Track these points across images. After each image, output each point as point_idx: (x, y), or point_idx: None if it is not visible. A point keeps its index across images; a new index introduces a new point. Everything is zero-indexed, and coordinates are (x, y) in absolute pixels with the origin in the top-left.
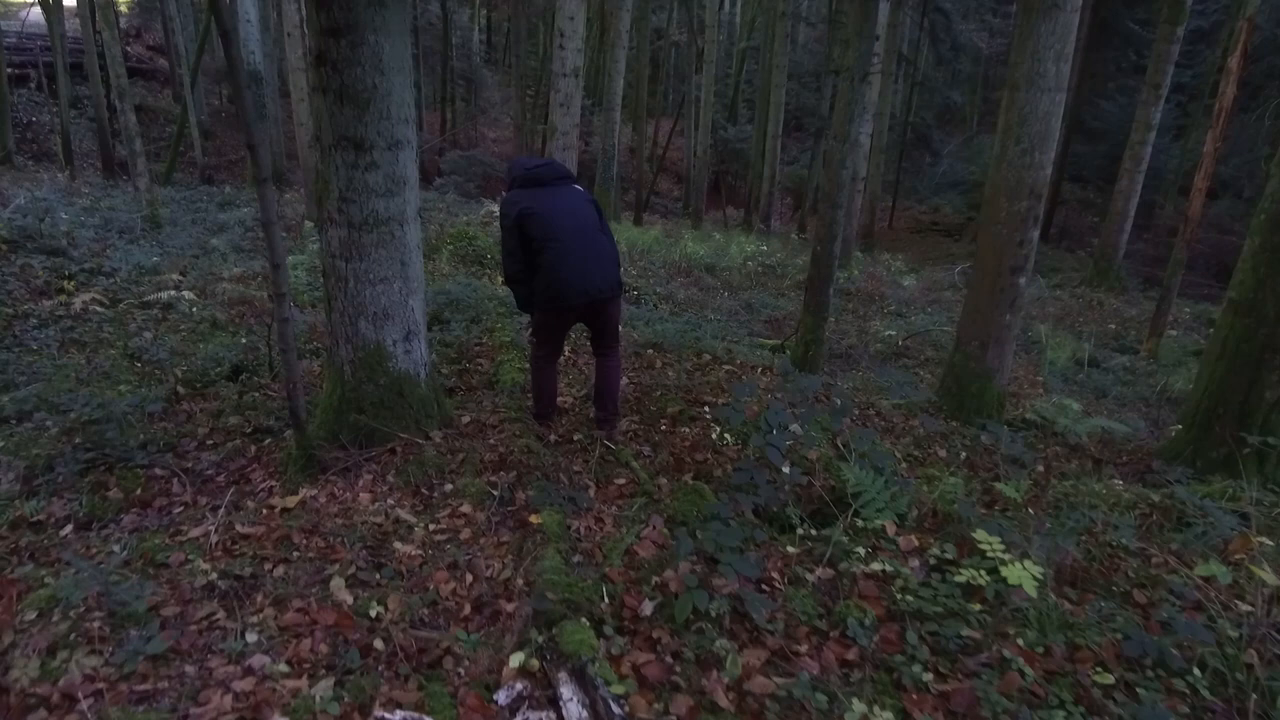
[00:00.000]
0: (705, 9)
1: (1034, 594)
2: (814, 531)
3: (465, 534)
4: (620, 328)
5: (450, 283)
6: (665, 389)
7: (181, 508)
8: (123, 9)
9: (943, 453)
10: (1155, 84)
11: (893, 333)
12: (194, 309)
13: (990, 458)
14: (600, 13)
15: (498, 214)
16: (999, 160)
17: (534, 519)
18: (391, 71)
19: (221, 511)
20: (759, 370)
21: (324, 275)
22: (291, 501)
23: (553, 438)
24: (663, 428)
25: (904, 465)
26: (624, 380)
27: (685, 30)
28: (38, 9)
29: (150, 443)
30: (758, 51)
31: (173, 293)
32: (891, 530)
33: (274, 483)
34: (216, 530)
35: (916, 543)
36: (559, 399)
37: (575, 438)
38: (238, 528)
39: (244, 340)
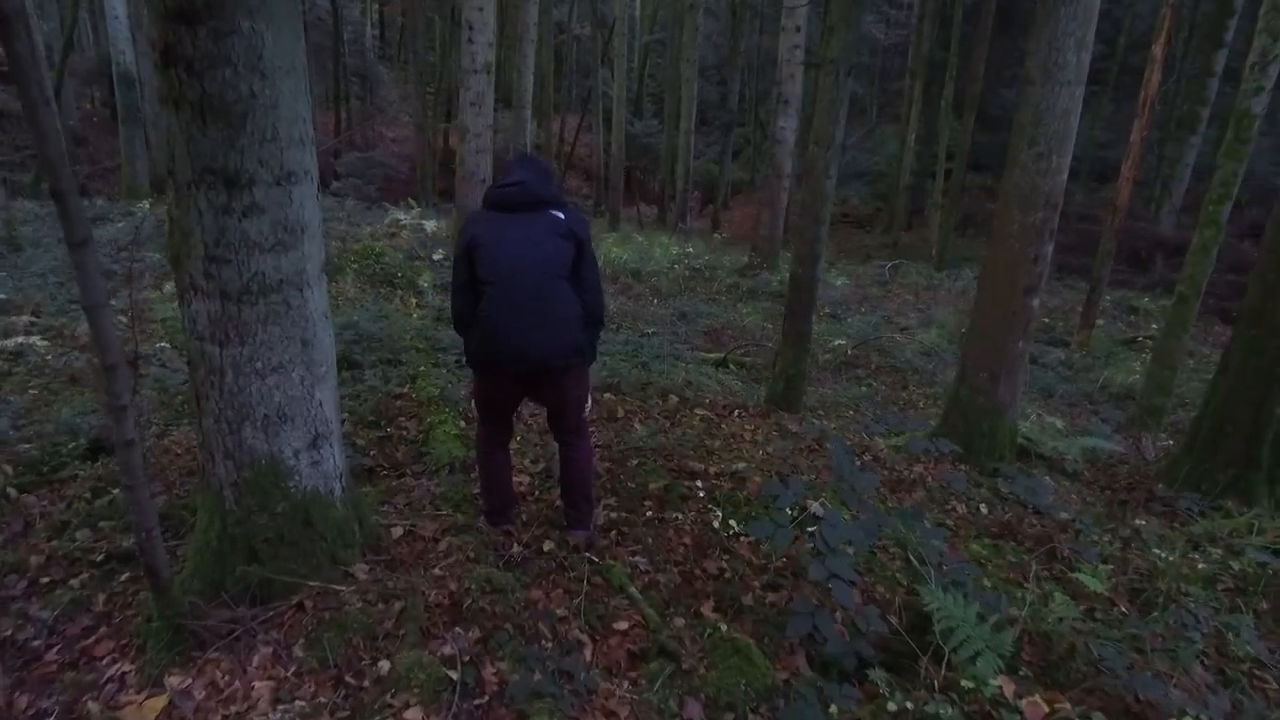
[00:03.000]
0: (612, 2)
1: None
2: (908, 705)
3: None
4: (587, 407)
5: (358, 311)
6: (639, 453)
7: None
8: None
9: (962, 508)
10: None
11: (841, 342)
12: (48, 359)
13: (1026, 517)
14: (501, 5)
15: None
16: (1010, 165)
17: None
18: (278, 73)
19: None
20: (735, 414)
21: (189, 365)
22: (152, 709)
23: (516, 550)
24: (648, 513)
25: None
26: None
27: (587, 24)
28: None
29: None
30: (661, 46)
31: (21, 339)
32: (1010, 690)
33: (128, 666)
34: None
35: (1046, 708)
36: (514, 480)
37: (545, 547)
38: None
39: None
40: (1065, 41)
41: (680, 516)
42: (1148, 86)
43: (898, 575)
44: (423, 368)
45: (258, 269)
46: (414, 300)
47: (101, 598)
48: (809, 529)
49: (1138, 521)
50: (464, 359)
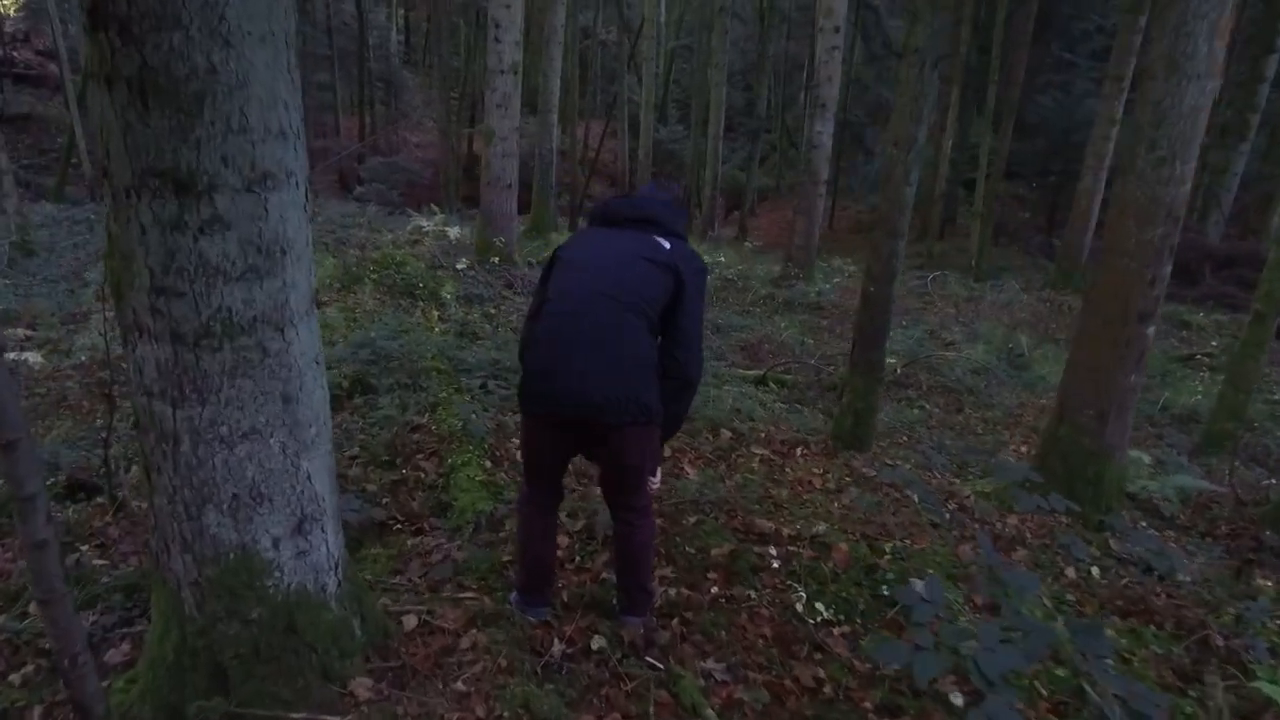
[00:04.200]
0: (644, 4)
1: None
2: None
3: None
4: (654, 482)
5: (376, 327)
6: (696, 508)
7: None
8: (9, 11)
9: (1071, 572)
10: (1118, 76)
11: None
12: (40, 377)
13: (1151, 586)
14: (527, 9)
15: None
16: (1125, 173)
17: None
18: (247, 40)
19: None
20: (798, 451)
21: (136, 428)
22: None
23: (557, 649)
24: (713, 589)
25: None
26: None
27: (613, 29)
28: None
29: None
30: (688, 51)
31: (15, 354)
32: None
33: None
34: None
35: None
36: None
37: (594, 644)
38: None
39: (101, 426)
40: (1196, 26)
41: (754, 595)
42: None
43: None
44: (444, 393)
45: (222, 304)
46: (436, 313)
47: (39, 711)
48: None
49: (1262, 582)
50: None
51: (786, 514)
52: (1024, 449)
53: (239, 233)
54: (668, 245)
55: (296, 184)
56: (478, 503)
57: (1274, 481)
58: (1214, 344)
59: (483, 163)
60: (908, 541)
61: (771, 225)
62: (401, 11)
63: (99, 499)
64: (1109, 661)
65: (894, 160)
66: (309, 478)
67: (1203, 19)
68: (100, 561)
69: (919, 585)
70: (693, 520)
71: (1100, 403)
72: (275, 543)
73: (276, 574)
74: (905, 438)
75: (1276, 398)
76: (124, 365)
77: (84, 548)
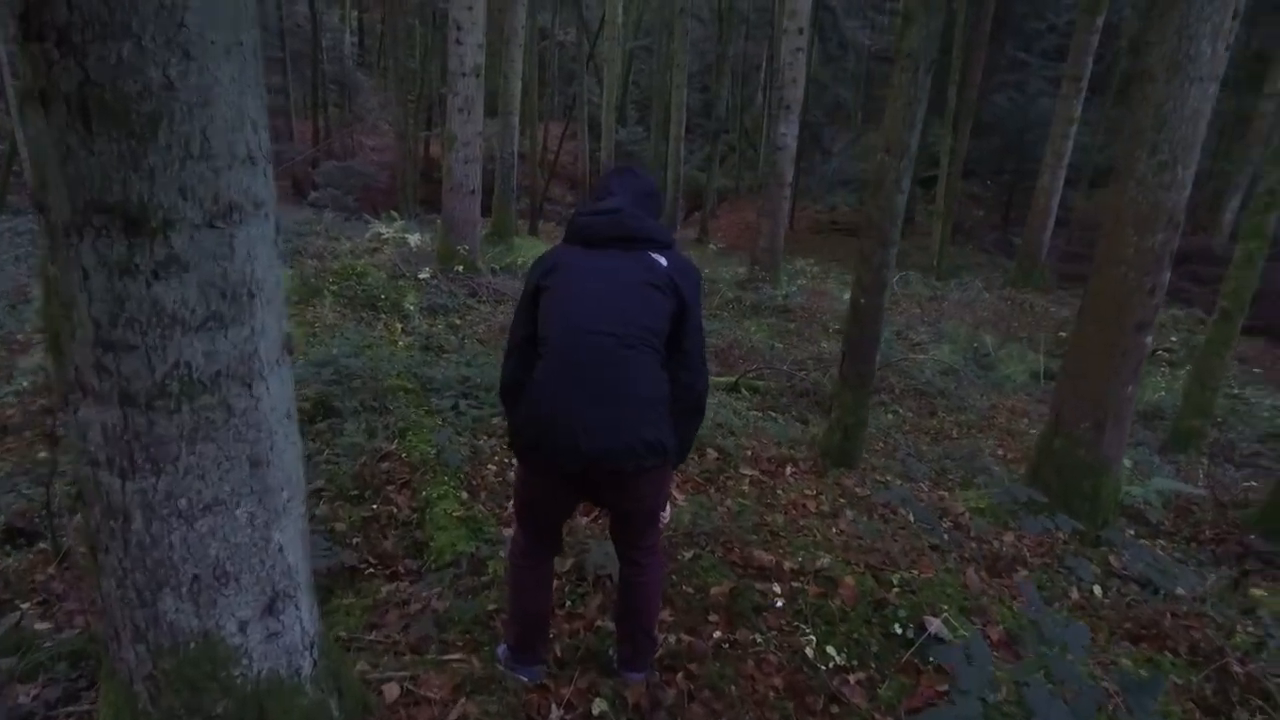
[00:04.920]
0: (604, 5)
1: None
2: None
3: None
4: (664, 517)
5: (338, 342)
6: (691, 541)
7: None
8: None
9: (1075, 592)
10: (1075, 76)
11: None
12: None
13: (1158, 606)
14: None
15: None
16: (1124, 177)
17: None
18: (210, 51)
19: None
20: (787, 470)
21: (80, 500)
22: None
23: (555, 717)
24: (716, 633)
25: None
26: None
27: (571, 30)
28: None
29: None
30: (647, 52)
31: None
32: None
33: None
34: None
35: None
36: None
37: (595, 709)
38: None
39: (43, 461)
40: (1199, 29)
41: (760, 640)
42: None
43: None
44: (414, 415)
45: (180, 358)
46: (399, 326)
47: None
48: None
49: (1255, 591)
50: (509, 439)
51: (785, 544)
52: (1000, 452)
53: (200, 275)
54: (664, 261)
55: (266, 216)
56: (457, 542)
57: (1253, 483)
58: (1173, 339)
59: (444, 168)
60: (914, 572)
61: (732, 226)
62: (356, 13)
63: (41, 545)
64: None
65: (885, 167)
66: (281, 550)
67: (1206, 20)
68: (43, 625)
69: (934, 624)
70: (689, 555)
71: (1096, 414)
72: (242, 626)
73: (244, 661)
74: (882, 444)
75: (1236, 392)
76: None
77: (24, 606)
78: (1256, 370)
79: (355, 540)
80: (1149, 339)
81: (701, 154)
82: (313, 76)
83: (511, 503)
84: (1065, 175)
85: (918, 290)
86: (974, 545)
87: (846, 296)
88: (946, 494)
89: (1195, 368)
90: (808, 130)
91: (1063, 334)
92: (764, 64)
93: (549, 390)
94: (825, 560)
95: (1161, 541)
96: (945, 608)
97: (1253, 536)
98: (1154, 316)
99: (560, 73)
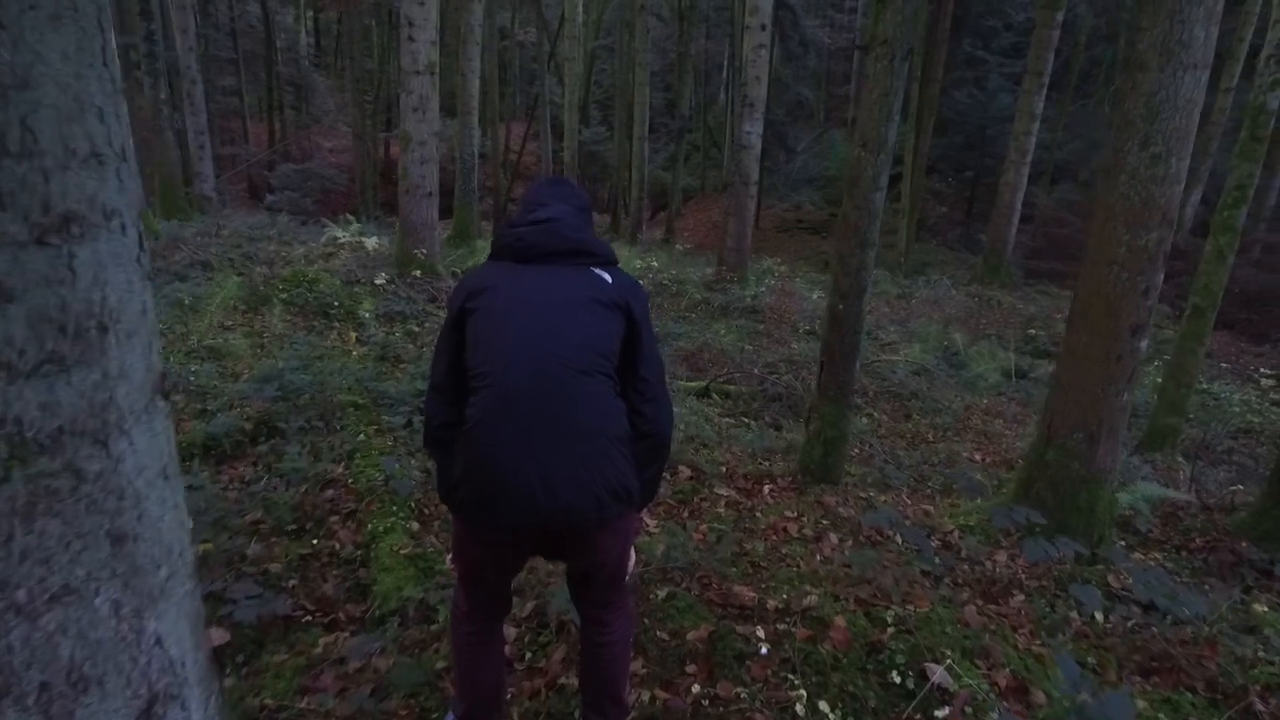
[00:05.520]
0: (564, 4)
1: None
2: None
3: None
4: (630, 566)
5: (285, 354)
6: (665, 578)
7: None
8: None
9: (1075, 616)
10: (1037, 71)
11: None
12: None
13: (1167, 635)
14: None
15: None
16: (1114, 172)
17: None
18: (29, 19)
19: None
20: (765, 489)
21: None
22: None
23: None
24: (694, 686)
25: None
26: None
27: (531, 30)
28: None
29: None
30: (608, 51)
31: None
32: None
33: None
34: None
35: None
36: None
37: None
38: None
39: None
40: (1192, 12)
41: (744, 694)
42: None
43: None
44: (362, 435)
45: (7, 413)
46: (353, 334)
47: None
48: None
49: (1257, 608)
50: (437, 487)
51: (767, 576)
52: (979, 457)
53: (28, 307)
54: (609, 278)
55: (122, 228)
56: (404, 584)
57: (1239, 486)
58: None
59: (400, 169)
60: (909, 607)
61: (698, 226)
62: (310, 13)
63: None
64: None
65: (862, 163)
66: (159, 642)
67: (1199, 4)
68: None
69: (938, 673)
70: (663, 594)
71: (1090, 424)
72: None
73: None
74: (858, 450)
75: (1206, 387)
76: None
77: None
78: (1224, 365)
79: (292, 582)
80: (1144, 343)
81: (666, 153)
82: (267, 78)
83: (450, 556)
84: (1030, 172)
85: (886, 288)
86: (966, 568)
87: (816, 296)
88: (931, 508)
89: (1169, 365)
90: (771, 129)
91: (1031, 331)
92: (725, 62)
93: (490, 435)
94: (813, 597)
95: (1156, 554)
96: (947, 653)
97: (1244, 544)
98: (1149, 319)
99: (521, 73)
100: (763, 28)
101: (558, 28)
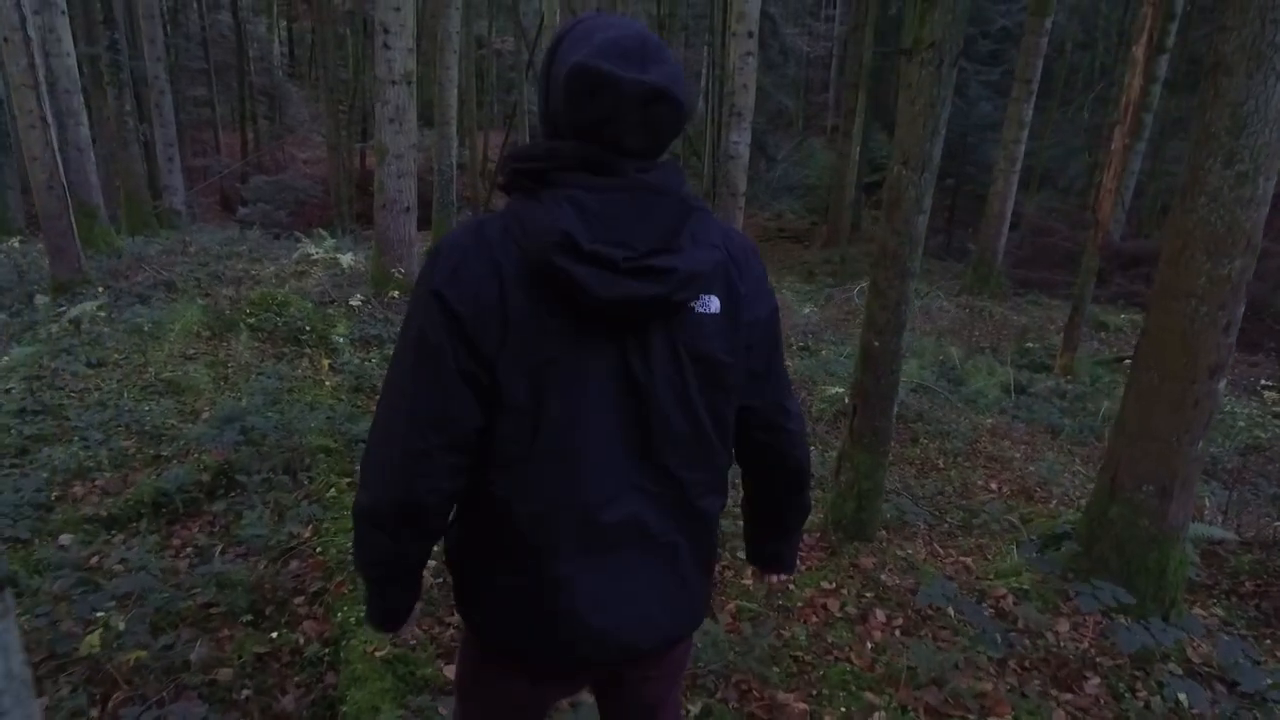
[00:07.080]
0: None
1: None
2: None
3: None
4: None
5: (250, 388)
6: (696, 685)
7: None
8: None
9: (1158, 702)
10: (1025, 79)
11: (839, 390)
12: None
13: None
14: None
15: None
16: (1192, 192)
17: None
18: None
19: None
20: None
21: None
22: None
23: None
24: None
25: None
26: None
27: (509, 38)
28: None
29: None
30: None
31: None
32: None
33: None
34: None
35: None
36: None
37: None
38: None
39: None
40: None
41: None
42: (1129, 91)
43: None
44: (333, 490)
45: None
46: (326, 363)
47: None
48: None
49: None
50: (369, 616)
51: (816, 678)
52: (995, 486)
53: None
54: (714, 304)
55: None
56: (379, 702)
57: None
58: (1133, 344)
59: (376, 183)
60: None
61: None
62: (285, 23)
63: None
64: None
65: (903, 182)
66: None
67: None
68: None
69: None
70: (697, 709)
71: (1163, 476)
72: None
73: None
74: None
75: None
76: None
77: None
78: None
79: (245, 693)
80: (1222, 384)
81: None
82: (240, 88)
83: (457, 700)
84: (1020, 179)
85: None
86: (1028, 643)
87: (806, 311)
88: (969, 560)
89: None
90: (753, 137)
91: (1028, 345)
92: (704, 70)
93: (562, 571)
94: (881, 715)
95: (1214, 607)
96: None
97: None
98: (1229, 359)
99: (499, 81)
100: (750, 34)
101: (535, 35)
